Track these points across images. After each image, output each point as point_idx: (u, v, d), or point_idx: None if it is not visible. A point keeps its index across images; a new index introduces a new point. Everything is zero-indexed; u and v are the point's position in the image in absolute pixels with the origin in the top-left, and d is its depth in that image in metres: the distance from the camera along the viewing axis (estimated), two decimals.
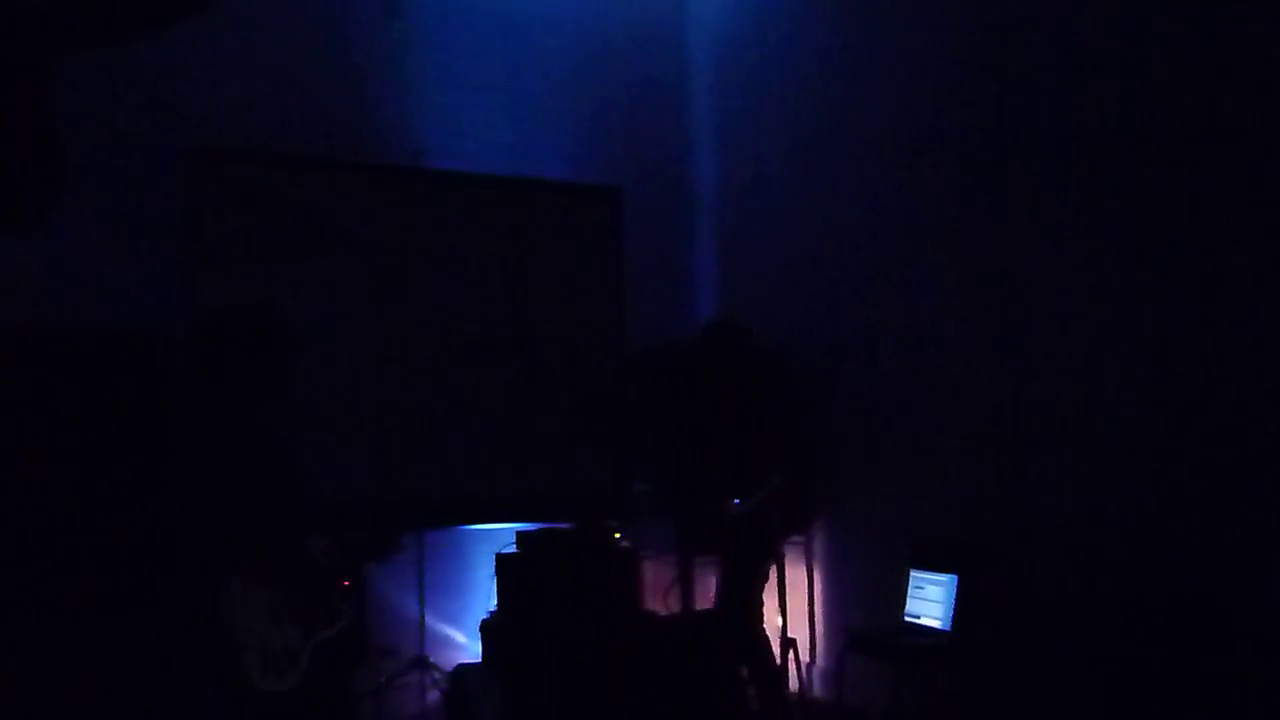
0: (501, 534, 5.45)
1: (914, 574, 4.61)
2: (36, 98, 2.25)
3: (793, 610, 5.52)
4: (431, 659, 5.38)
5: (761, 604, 4.85)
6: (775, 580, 5.26)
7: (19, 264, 4.71)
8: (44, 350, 4.18)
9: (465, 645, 5.65)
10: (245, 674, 2.83)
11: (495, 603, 5.26)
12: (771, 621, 5.16)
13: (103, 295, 5.00)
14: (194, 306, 4.97)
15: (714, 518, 4.75)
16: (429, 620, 5.46)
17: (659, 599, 5.48)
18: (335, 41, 5.79)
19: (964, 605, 4.32)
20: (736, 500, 4.70)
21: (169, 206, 5.15)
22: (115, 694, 4.09)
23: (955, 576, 4.38)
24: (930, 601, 4.47)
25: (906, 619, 4.58)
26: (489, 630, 5.17)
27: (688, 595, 5.43)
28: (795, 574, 5.61)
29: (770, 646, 4.88)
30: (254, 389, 3.09)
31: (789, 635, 5.41)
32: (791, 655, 5.33)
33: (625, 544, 5.46)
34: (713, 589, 5.06)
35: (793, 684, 5.33)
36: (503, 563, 5.25)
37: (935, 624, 4.40)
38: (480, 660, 5.17)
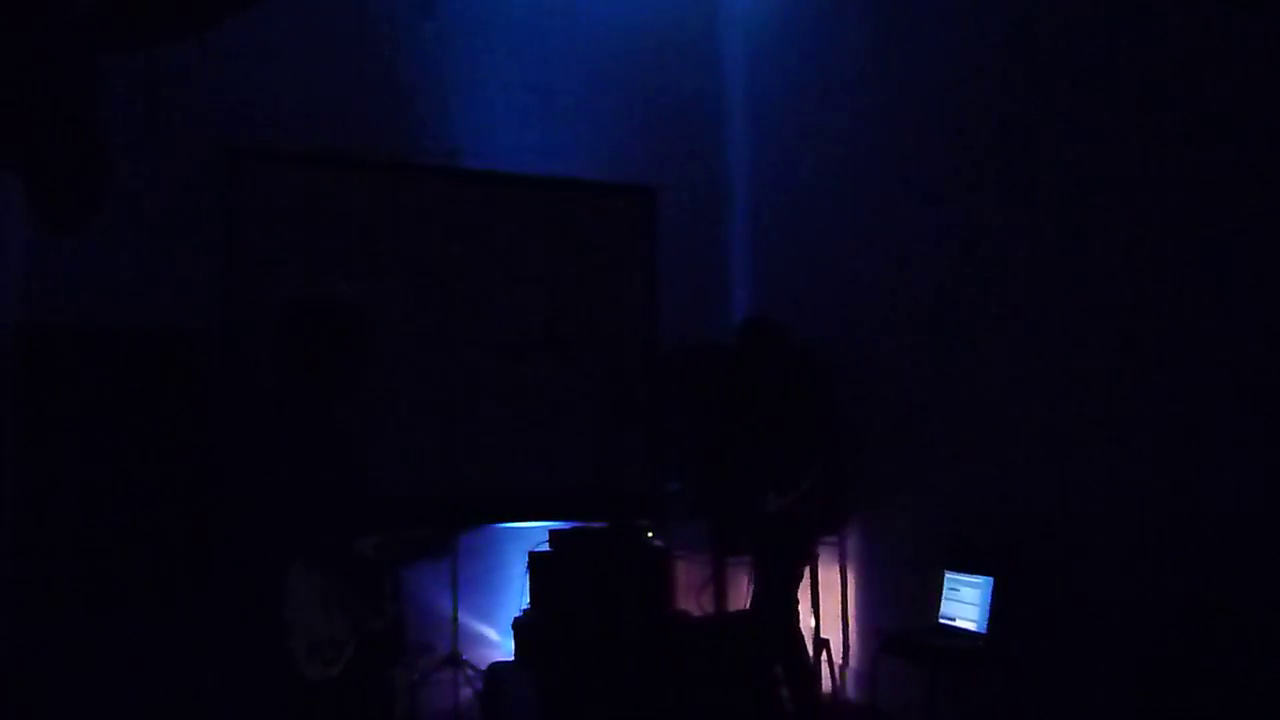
0: (534, 532, 5.47)
1: (949, 576, 4.57)
2: (83, 100, 2.29)
3: (826, 611, 5.50)
4: (465, 656, 5.41)
5: (797, 604, 4.82)
6: (809, 580, 5.24)
7: (64, 262, 4.79)
8: (88, 347, 4.24)
9: (498, 643, 5.67)
10: (291, 659, 2.89)
11: (527, 601, 5.28)
12: (805, 622, 5.14)
13: (145, 293, 5.07)
14: (235, 304, 5.04)
15: (748, 517, 4.73)
16: (462, 618, 5.49)
17: (693, 599, 5.47)
18: (370, 42, 5.83)
19: (1000, 608, 4.28)
20: (770, 500, 4.67)
21: (210, 206, 5.22)
22: (165, 683, 4.15)
23: (991, 579, 4.34)
24: (965, 604, 4.43)
25: (941, 621, 4.54)
26: (521, 628, 5.18)
27: (721, 595, 5.42)
28: (829, 574, 5.58)
29: (805, 647, 4.86)
30: (330, 381, 3.12)
31: (822, 636, 5.39)
32: (824, 656, 5.32)
33: (658, 543, 5.46)
34: (746, 589, 5.04)
35: (825, 685, 5.30)
36: (535, 561, 5.26)
37: (970, 626, 4.37)
38: (513, 658, 5.19)
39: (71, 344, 4.21)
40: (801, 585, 4.94)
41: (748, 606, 5.00)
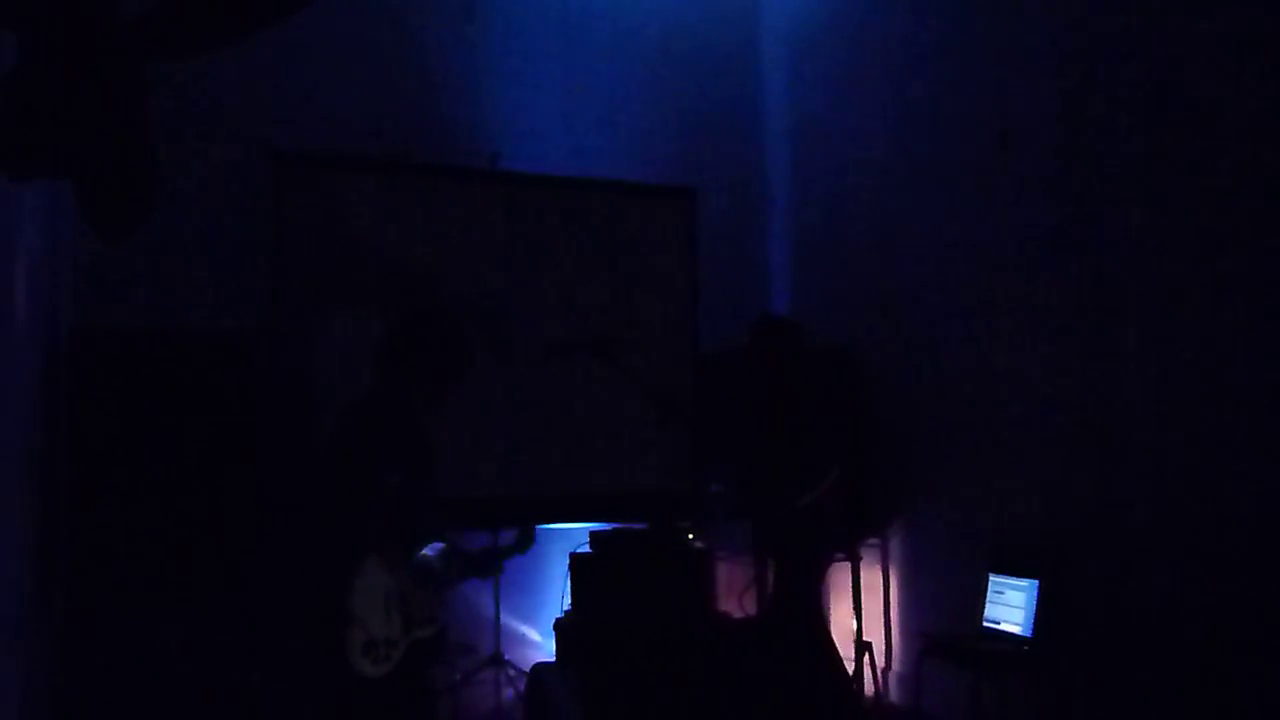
0: (575, 534, 5.49)
1: (993, 578, 4.53)
2: (133, 107, 2.33)
3: (868, 613, 5.46)
4: (507, 657, 5.44)
5: (820, 603, 4.73)
6: (850, 583, 5.20)
7: (115, 268, 4.90)
8: (139, 351, 4.32)
9: (539, 644, 5.70)
10: (346, 655, 2.96)
11: (569, 603, 5.30)
12: (846, 624, 5.10)
13: (194, 298, 5.18)
14: (282, 307, 5.11)
15: (774, 517, 4.67)
16: (504, 619, 5.52)
17: (735, 600, 5.45)
18: (412, 46, 5.90)
19: (1046, 611, 4.22)
20: (790, 499, 4.60)
21: (257, 211, 5.30)
22: (212, 681, 4.22)
23: (1036, 582, 4.29)
24: (1010, 607, 4.38)
25: (985, 624, 4.49)
26: (563, 630, 5.20)
27: (763, 597, 5.40)
28: (871, 577, 5.55)
29: (836, 648, 4.79)
30: (427, 390, 3.28)
31: (864, 639, 5.35)
32: (867, 659, 5.28)
33: (699, 545, 5.46)
34: (766, 590, 4.99)
35: (868, 688, 5.27)
36: (577, 562, 5.28)
37: (1015, 630, 4.32)
38: (554, 659, 5.20)
39: (122, 348, 4.28)
40: (843, 588, 4.90)
41: (767, 606, 4.96)
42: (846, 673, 4.91)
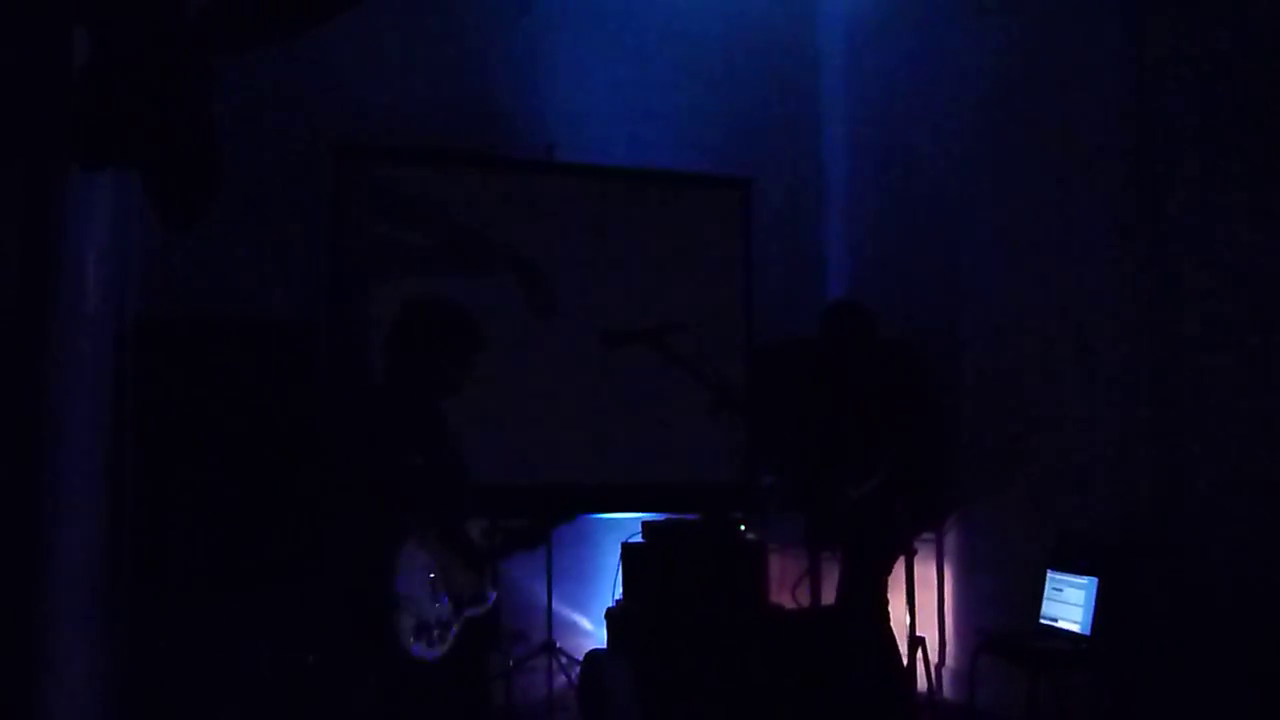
0: (627, 523, 5.51)
1: (1051, 575, 4.46)
2: (198, 99, 2.38)
3: (922, 608, 5.41)
4: (559, 644, 5.48)
5: (886, 600, 4.73)
6: (905, 577, 5.15)
7: (180, 256, 5.00)
8: (204, 338, 4.40)
9: (591, 632, 5.73)
10: (398, 638, 2.98)
11: (620, 592, 5.32)
12: (900, 619, 5.05)
13: (257, 286, 5.27)
14: (343, 296, 5.19)
15: (835, 510, 4.65)
16: (556, 607, 5.55)
17: (787, 593, 5.43)
18: (469, 37, 5.94)
19: (1105, 609, 4.15)
20: (849, 490, 4.57)
21: (318, 201, 5.38)
22: (271, 664, 4.30)
23: (1096, 579, 4.21)
24: (1069, 605, 4.32)
25: (1043, 622, 4.43)
26: (615, 618, 5.22)
27: (815, 589, 5.37)
28: (925, 572, 5.49)
29: (896, 644, 4.79)
30: (438, 378, 3.31)
31: (918, 634, 5.30)
32: (920, 654, 5.23)
33: (751, 536, 5.45)
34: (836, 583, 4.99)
35: (921, 684, 5.22)
36: (629, 552, 5.30)
37: (1074, 628, 4.25)
38: (605, 647, 5.23)
39: (188, 336, 4.37)
40: (896, 581, 4.85)
41: (835, 600, 4.95)
42: (904, 669, 4.87)
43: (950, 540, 5.49)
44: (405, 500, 3.10)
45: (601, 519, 5.71)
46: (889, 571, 4.74)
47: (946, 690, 5.35)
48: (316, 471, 4.41)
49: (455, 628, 3.12)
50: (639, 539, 5.34)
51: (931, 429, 5.53)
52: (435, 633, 3.07)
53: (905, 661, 5.08)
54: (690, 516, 5.50)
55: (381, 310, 5.34)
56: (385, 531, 3.08)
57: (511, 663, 5.28)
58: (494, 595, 3.29)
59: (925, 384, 5.60)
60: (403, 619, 3.02)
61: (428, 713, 3.13)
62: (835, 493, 4.55)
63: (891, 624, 4.76)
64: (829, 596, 5.37)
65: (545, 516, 3.47)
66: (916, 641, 5.26)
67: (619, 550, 5.37)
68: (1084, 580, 4.27)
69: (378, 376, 3.77)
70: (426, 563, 3.10)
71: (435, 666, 3.06)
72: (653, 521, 5.42)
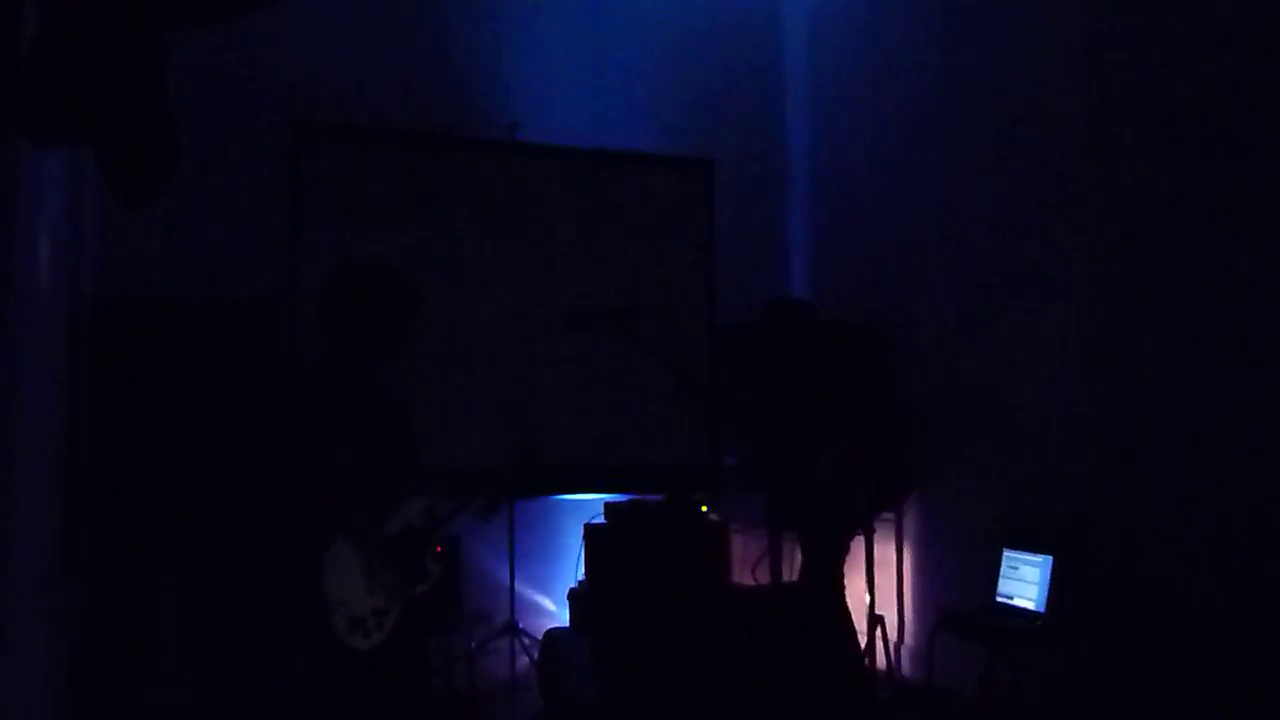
0: (590, 505, 5.52)
1: (1008, 554, 4.53)
2: (153, 75, 2.34)
3: (881, 588, 5.48)
4: (521, 625, 5.49)
5: (842, 578, 4.74)
6: (864, 557, 5.20)
7: (136, 234, 4.92)
8: (160, 317, 4.34)
9: (554, 613, 5.75)
10: (334, 633, 2.90)
11: (583, 572, 5.33)
12: (859, 598, 5.11)
13: (214, 264, 5.19)
14: (301, 274, 5.13)
15: (791, 491, 4.67)
16: (518, 588, 5.56)
17: (748, 572, 5.48)
18: (430, 14, 5.87)
19: (1060, 587, 4.23)
20: (806, 474, 4.58)
21: (276, 179, 5.32)
22: (225, 647, 4.27)
23: (1051, 557, 4.29)
24: (1024, 582, 4.39)
25: (999, 600, 4.50)
26: (577, 599, 5.24)
27: (776, 569, 5.42)
28: (884, 551, 5.56)
29: (852, 621, 4.81)
30: (375, 343, 3.09)
31: (877, 613, 5.37)
32: (879, 633, 5.30)
33: (714, 517, 5.48)
34: (796, 563, 5.03)
35: (880, 661, 5.29)
36: (591, 533, 5.31)
37: (1029, 605, 4.33)
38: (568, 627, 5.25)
39: (144, 315, 4.31)
40: (855, 561, 4.90)
41: (796, 580, 4.99)
42: (859, 648, 4.93)
43: (909, 520, 5.56)
44: (334, 499, 2.96)
45: (563, 500, 5.72)
46: (845, 551, 4.77)
47: (905, 668, 5.42)
48: (272, 450, 4.37)
49: (394, 613, 3.01)
50: (601, 520, 5.35)
51: (891, 410, 5.58)
52: (371, 623, 2.95)
53: (865, 640, 5.14)
54: (653, 497, 5.52)
55: None
56: (312, 530, 2.94)
57: (474, 644, 5.29)
58: (437, 571, 3.15)
59: (883, 366, 5.65)
60: (335, 618, 2.90)
61: (368, 695, 3.06)
62: (790, 474, 4.57)
63: (848, 602, 4.81)
64: (790, 576, 5.42)
65: (498, 490, 3.31)
66: (876, 620, 5.33)
67: (581, 531, 5.38)
68: (1039, 559, 4.34)
69: (313, 355, 3.56)
70: (356, 561, 2.95)
71: (377, 652, 2.96)
72: (615, 503, 5.44)
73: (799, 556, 4.89)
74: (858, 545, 5.59)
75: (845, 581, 4.70)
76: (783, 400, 4.73)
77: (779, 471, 4.68)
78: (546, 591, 5.79)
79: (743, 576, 5.57)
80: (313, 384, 3.16)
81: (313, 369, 3.27)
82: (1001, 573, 4.53)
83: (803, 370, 4.66)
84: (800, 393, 4.67)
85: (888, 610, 5.45)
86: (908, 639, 5.51)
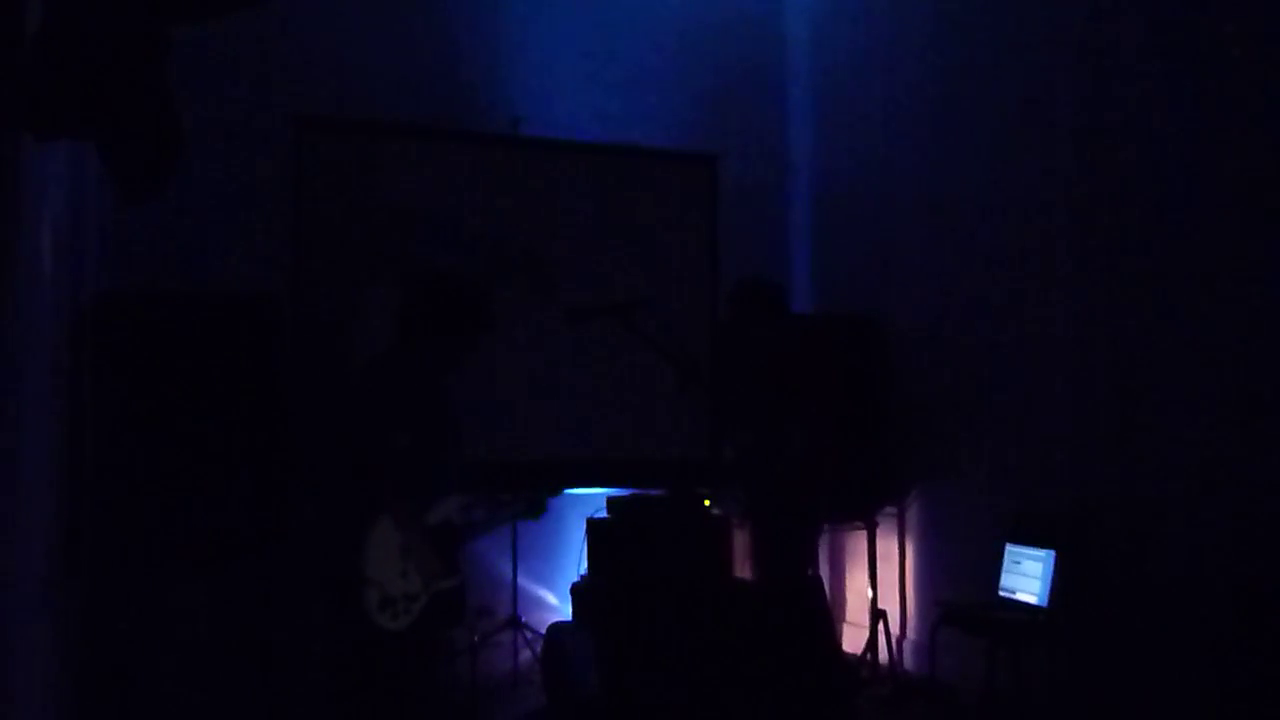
0: (593, 499, 5.52)
1: (1010, 548, 4.53)
2: (156, 69, 2.33)
3: (884, 582, 5.49)
4: (524, 619, 5.49)
5: (807, 567, 4.59)
6: (866, 551, 5.18)
7: (139, 229, 4.92)
8: (162, 311, 4.34)
9: (556, 607, 5.75)
10: (365, 610, 3.06)
11: (585, 567, 5.34)
12: (862, 592, 5.10)
13: (216, 259, 5.20)
14: (304, 270, 5.13)
15: (760, 481, 4.55)
16: (521, 582, 5.57)
17: (749, 565, 5.48)
18: (433, 9, 5.87)
19: (1062, 581, 4.23)
20: (774, 463, 4.46)
21: (279, 174, 5.32)
22: (233, 640, 4.28)
23: (1054, 552, 4.29)
24: (1027, 577, 4.39)
25: (1001, 594, 4.50)
26: (580, 593, 5.25)
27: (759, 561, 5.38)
28: (886, 545, 5.56)
29: (830, 616, 4.71)
30: (446, 350, 3.35)
31: (879, 607, 5.38)
32: (881, 627, 5.31)
33: (716, 511, 5.48)
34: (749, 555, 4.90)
35: (882, 656, 5.30)
36: (594, 528, 5.32)
37: (1031, 600, 4.33)
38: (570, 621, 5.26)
39: (146, 310, 4.31)
40: (859, 555, 4.87)
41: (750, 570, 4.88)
42: (836, 639, 4.85)
43: (912, 514, 5.56)
44: (388, 479, 3.14)
45: (567, 495, 5.72)
46: (812, 540, 4.63)
47: (908, 662, 5.43)
48: (275, 448, 4.38)
49: (423, 599, 3.16)
50: (604, 514, 5.35)
51: (892, 403, 5.58)
52: (400, 605, 3.12)
53: (866, 634, 5.13)
54: (656, 492, 5.52)
55: (343, 284, 5.32)
56: (361, 509, 3.13)
57: (477, 638, 5.29)
58: (462, 569, 3.33)
59: (886, 359, 5.64)
60: (368, 594, 3.08)
61: (386, 680, 3.19)
62: (761, 463, 4.48)
63: (846, 595, 4.75)
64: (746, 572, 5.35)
65: (541, 489, 3.57)
66: (878, 614, 5.34)
67: (584, 526, 5.38)
68: (1042, 553, 4.34)
69: (375, 349, 3.75)
70: (398, 540, 3.14)
71: (399, 638, 3.12)
72: (618, 497, 5.44)
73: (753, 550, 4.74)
74: (860, 539, 5.60)
75: (844, 575, 4.65)
76: (754, 388, 4.62)
77: (748, 461, 4.58)
78: (549, 586, 5.80)
79: (746, 570, 5.57)
80: (380, 372, 3.37)
81: (382, 359, 3.45)
82: (1004, 567, 4.53)
83: (772, 355, 4.53)
84: (769, 379, 4.53)
85: (890, 604, 5.46)
86: (910, 633, 5.51)
